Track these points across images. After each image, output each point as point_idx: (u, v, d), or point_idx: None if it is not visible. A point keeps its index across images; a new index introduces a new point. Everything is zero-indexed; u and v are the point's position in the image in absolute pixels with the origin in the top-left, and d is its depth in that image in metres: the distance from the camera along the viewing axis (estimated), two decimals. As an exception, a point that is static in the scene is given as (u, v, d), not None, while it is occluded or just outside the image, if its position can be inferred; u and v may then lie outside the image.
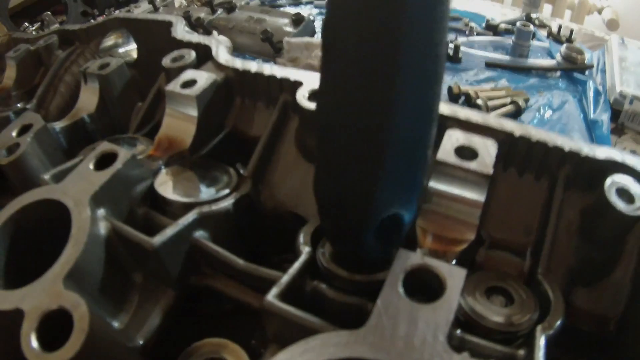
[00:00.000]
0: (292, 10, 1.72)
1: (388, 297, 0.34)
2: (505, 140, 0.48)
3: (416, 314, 0.33)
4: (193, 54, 0.67)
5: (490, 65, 1.47)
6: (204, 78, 0.60)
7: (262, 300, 0.40)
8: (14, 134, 0.61)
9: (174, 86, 0.59)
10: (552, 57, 1.51)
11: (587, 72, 1.43)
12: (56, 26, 1.57)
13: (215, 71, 0.63)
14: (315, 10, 1.84)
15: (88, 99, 0.74)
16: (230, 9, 1.69)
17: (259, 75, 0.61)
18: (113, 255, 0.45)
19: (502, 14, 1.88)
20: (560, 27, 1.68)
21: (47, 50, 0.95)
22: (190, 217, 0.48)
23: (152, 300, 0.47)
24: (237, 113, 0.65)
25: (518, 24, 1.52)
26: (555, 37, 1.65)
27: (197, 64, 0.66)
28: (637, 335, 0.43)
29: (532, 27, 1.51)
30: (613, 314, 0.46)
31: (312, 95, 0.55)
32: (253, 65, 0.62)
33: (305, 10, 1.78)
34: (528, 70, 1.46)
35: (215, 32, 1.56)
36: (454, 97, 1.29)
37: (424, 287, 0.36)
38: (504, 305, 0.43)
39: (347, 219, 0.37)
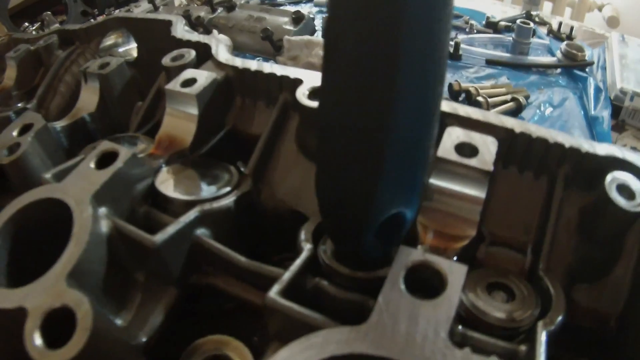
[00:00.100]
0: (292, 8, 1.72)
1: (389, 294, 0.35)
2: (505, 137, 0.49)
3: (417, 311, 0.33)
4: (193, 53, 0.67)
5: (491, 62, 1.47)
6: (204, 77, 0.60)
7: (263, 298, 0.40)
8: (14, 133, 0.61)
9: (174, 85, 0.59)
10: (553, 54, 1.51)
11: (587, 69, 1.43)
12: (56, 26, 1.57)
13: (215, 70, 0.63)
14: (315, 9, 1.83)
15: (88, 99, 0.74)
16: (230, 7, 1.69)
17: (258, 74, 0.61)
18: (115, 254, 0.45)
19: (503, 12, 1.88)
20: (560, 25, 1.68)
21: (47, 50, 0.95)
22: (191, 214, 0.48)
23: (154, 298, 0.47)
24: (237, 111, 0.65)
25: (518, 21, 1.52)
26: (556, 35, 1.65)
27: (197, 63, 0.66)
28: (638, 333, 0.43)
29: (532, 24, 1.51)
30: (613, 311, 0.46)
31: (312, 94, 0.55)
32: (253, 64, 0.62)
33: (305, 9, 1.77)
34: (528, 68, 1.46)
35: (215, 31, 1.56)
36: (454, 95, 1.29)
37: (425, 284, 0.36)
38: (505, 301, 0.43)
39: (347, 219, 0.37)
